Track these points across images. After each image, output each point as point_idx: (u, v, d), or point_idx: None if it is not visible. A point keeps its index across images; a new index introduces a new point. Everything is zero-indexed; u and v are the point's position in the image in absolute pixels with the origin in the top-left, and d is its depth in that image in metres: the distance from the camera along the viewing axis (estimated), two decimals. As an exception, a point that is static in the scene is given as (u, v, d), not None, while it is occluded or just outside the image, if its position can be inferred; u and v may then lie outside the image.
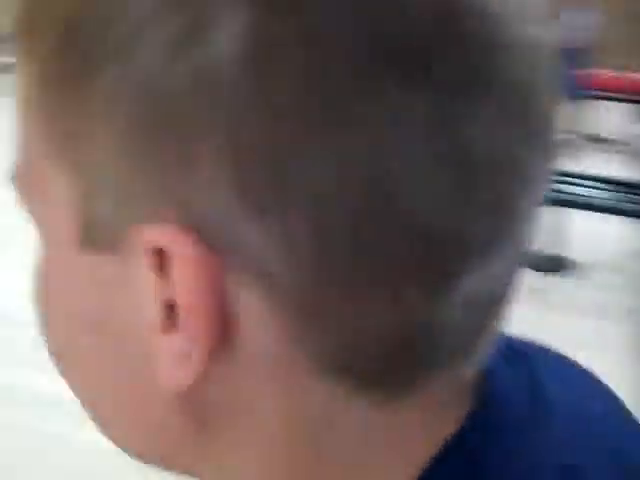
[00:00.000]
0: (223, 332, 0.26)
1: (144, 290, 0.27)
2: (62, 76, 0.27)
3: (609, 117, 5.90)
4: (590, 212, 3.45)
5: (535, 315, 2.93)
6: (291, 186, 0.25)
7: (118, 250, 0.27)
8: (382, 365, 0.27)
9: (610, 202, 3.41)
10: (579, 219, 3.74)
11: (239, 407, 0.28)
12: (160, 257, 0.26)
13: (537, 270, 3.63)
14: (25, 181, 0.30)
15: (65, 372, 0.32)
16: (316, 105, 0.24)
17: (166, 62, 0.24)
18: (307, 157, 0.24)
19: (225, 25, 0.24)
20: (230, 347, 0.27)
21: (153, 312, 0.27)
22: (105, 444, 0.35)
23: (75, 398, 0.32)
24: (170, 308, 0.26)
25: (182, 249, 0.25)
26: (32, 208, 0.30)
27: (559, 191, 3.36)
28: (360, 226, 0.25)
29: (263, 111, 0.24)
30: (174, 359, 0.26)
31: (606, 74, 5.14)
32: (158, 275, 0.26)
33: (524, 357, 0.36)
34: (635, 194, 3.43)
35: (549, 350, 0.40)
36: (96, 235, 0.27)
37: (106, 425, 0.32)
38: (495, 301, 0.30)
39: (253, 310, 0.26)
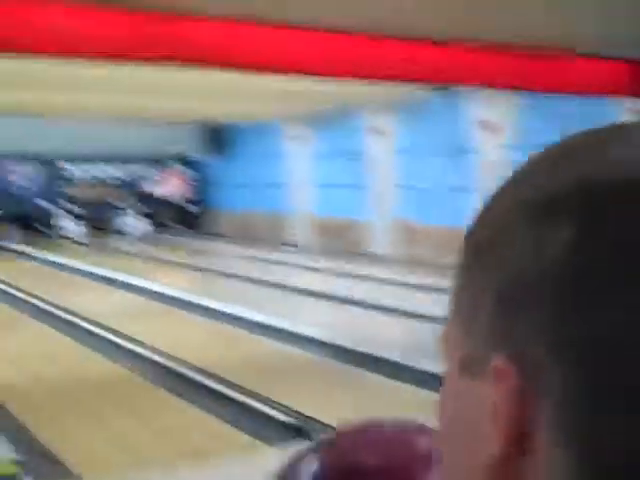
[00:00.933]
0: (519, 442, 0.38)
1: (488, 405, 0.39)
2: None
3: None
4: None
5: None
6: (588, 339, 0.35)
7: (478, 376, 0.40)
8: None
9: None
10: None
11: None
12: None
13: None
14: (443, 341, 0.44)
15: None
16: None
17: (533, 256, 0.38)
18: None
19: (557, 240, 0.37)
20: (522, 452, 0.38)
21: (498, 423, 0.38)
22: None
23: None
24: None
25: (507, 378, 0.38)
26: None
27: None
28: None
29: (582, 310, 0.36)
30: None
31: None
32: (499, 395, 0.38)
33: None
34: None
35: None
36: (470, 365, 0.41)
37: None
38: None
39: (543, 429, 0.37)
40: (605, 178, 0.37)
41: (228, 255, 15.26)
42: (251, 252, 14.91)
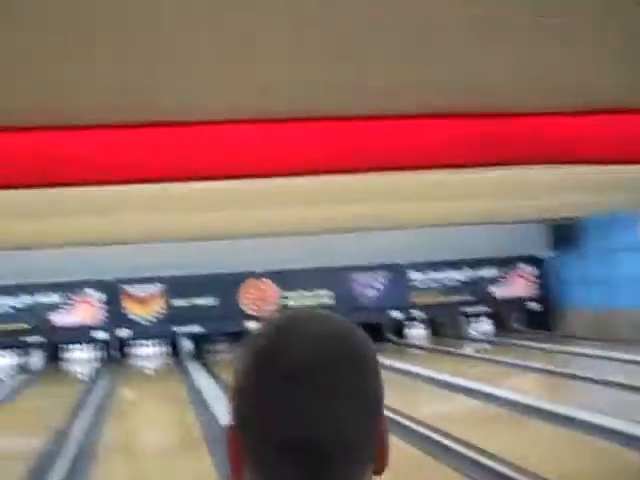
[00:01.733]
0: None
1: None
2: None
3: None
4: None
5: None
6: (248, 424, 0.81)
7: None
8: None
9: None
10: None
11: None
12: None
13: None
14: None
15: None
16: None
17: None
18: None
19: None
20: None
21: None
22: None
23: None
24: None
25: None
26: None
27: None
28: None
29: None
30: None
31: None
32: None
33: None
34: None
35: None
36: None
37: None
38: None
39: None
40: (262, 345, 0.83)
41: (582, 356, 13.94)
42: (611, 354, 13.45)
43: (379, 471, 0.88)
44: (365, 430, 0.82)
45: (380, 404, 0.84)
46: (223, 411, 8.91)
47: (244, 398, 0.81)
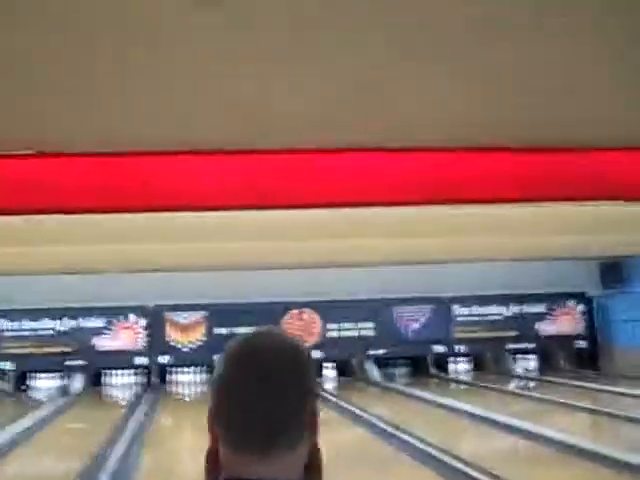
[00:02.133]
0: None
1: None
2: None
3: None
4: None
5: None
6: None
7: None
8: None
9: None
10: None
11: None
12: None
13: None
14: None
15: None
16: None
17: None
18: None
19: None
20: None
21: None
22: None
23: None
24: None
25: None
26: None
27: None
28: None
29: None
30: None
31: None
32: None
33: None
34: None
35: None
36: None
37: None
38: None
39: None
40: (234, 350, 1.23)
41: (628, 397, 13.57)
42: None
43: (314, 444, 1.24)
44: (302, 410, 1.21)
45: (312, 394, 1.23)
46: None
47: (220, 390, 1.22)
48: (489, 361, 18.44)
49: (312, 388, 1.22)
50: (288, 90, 3.61)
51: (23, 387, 16.01)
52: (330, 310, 17.45)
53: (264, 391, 1.17)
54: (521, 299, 18.87)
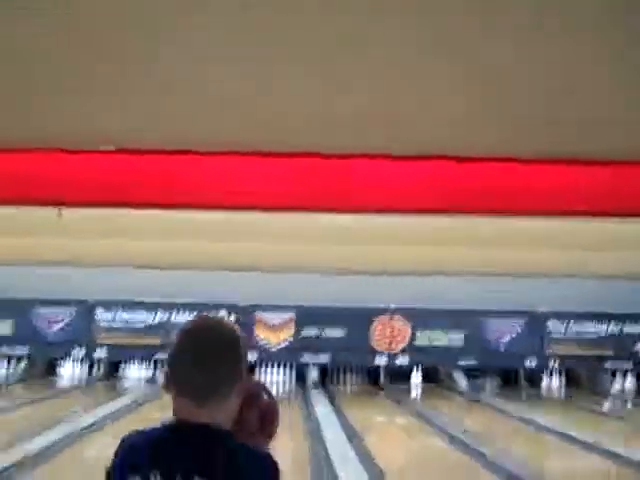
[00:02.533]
0: None
1: None
2: None
3: None
4: None
5: None
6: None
7: None
8: None
9: None
10: None
11: None
12: None
13: None
14: None
15: None
16: None
17: None
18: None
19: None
20: None
21: None
22: None
23: None
24: None
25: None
26: None
27: None
28: None
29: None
30: None
31: None
32: None
33: None
34: None
35: None
36: None
37: None
38: None
39: None
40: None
41: None
42: None
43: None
44: (230, 373, 1.61)
45: (239, 363, 1.64)
46: (334, 441, 8.75)
47: (173, 356, 1.62)
48: (583, 379, 17.88)
49: (240, 358, 1.64)
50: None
51: (114, 375, 16.44)
52: (419, 317, 17.22)
53: (203, 357, 1.60)
54: (620, 318, 18.23)
